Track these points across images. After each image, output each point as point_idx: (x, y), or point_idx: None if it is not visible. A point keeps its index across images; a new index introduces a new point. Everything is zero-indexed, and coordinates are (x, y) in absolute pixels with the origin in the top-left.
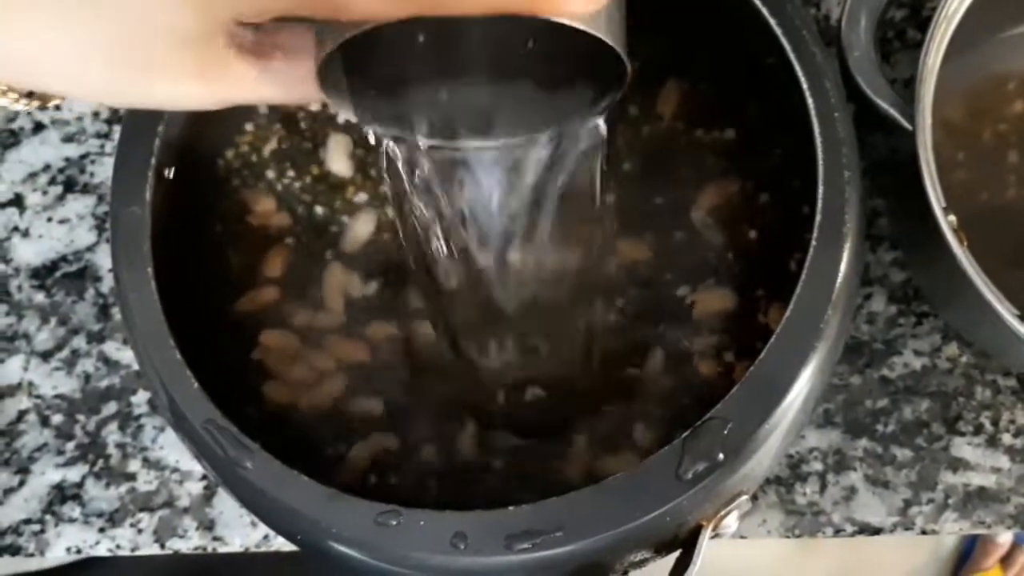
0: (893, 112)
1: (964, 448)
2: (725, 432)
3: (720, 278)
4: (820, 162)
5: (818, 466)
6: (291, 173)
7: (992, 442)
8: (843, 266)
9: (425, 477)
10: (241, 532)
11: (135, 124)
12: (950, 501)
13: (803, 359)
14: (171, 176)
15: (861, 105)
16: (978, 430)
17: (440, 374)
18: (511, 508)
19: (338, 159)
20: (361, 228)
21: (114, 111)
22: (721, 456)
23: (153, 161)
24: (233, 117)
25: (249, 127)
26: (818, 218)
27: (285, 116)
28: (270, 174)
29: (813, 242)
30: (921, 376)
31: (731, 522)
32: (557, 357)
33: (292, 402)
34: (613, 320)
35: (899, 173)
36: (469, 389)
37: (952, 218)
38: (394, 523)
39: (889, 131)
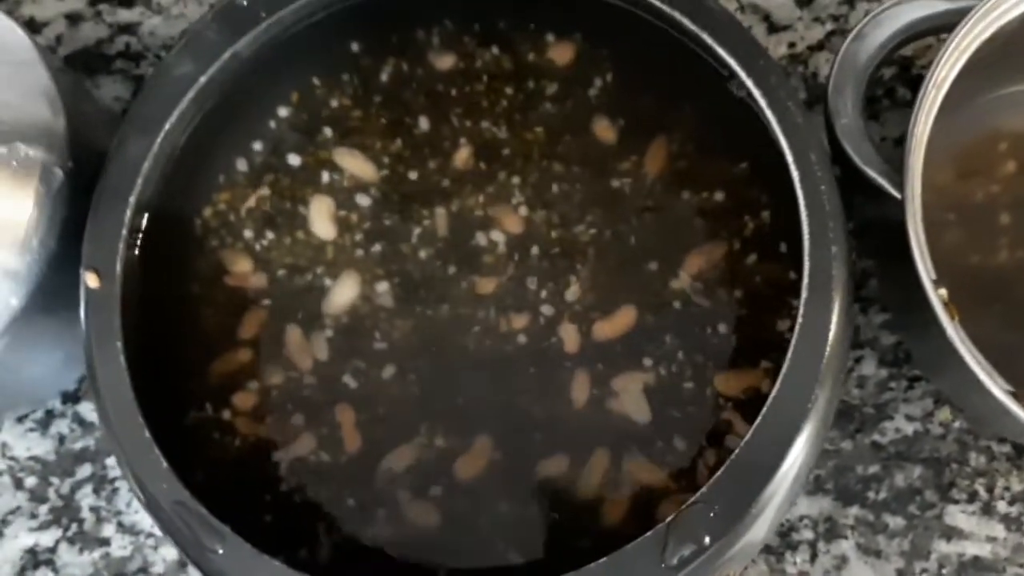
0: (882, 181)
1: (958, 516)
2: (711, 516)
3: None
4: (806, 237)
5: (809, 534)
6: (270, 234)
7: (987, 510)
8: (831, 340)
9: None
10: None
11: (107, 192)
12: (944, 571)
13: (792, 436)
14: (145, 238)
15: (847, 168)
16: (972, 497)
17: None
18: None
19: (320, 220)
20: (344, 292)
21: None
22: (707, 540)
23: (124, 233)
24: (211, 174)
25: (227, 185)
26: (804, 294)
27: (265, 174)
28: (248, 234)
29: (800, 317)
30: (913, 441)
31: None
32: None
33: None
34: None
35: (888, 238)
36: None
37: (943, 291)
38: None
39: (877, 196)
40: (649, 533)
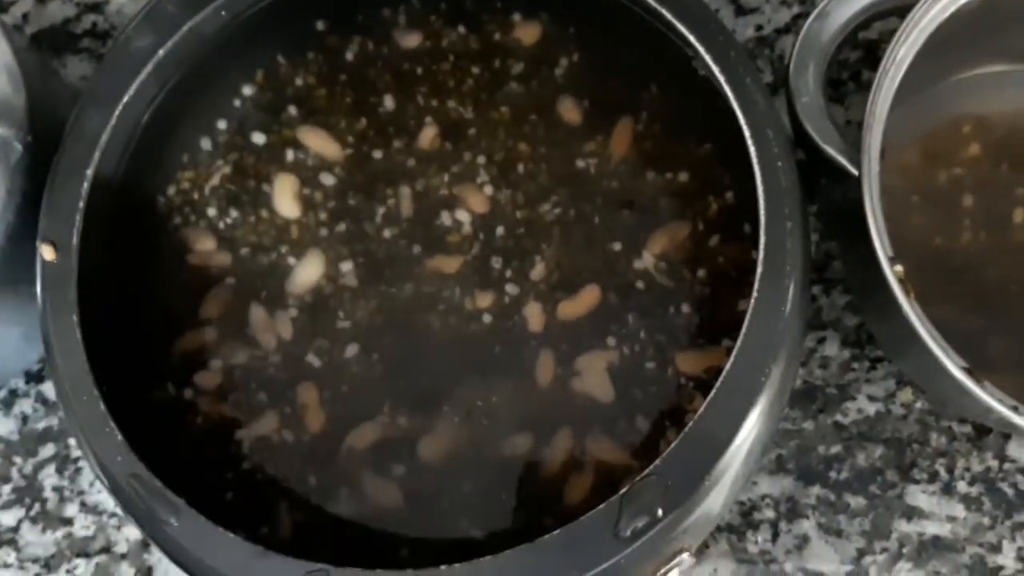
0: (841, 159)
1: (919, 496)
2: (665, 488)
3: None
4: (762, 212)
5: (770, 513)
6: (234, 212)
7: (947, 490)
8: (785, 315)
9: (357, 525)
10: None
11: (64, 164)
12: (904, 550)
13: (744, 411)
14: (107, 214)
15: (809, 148)
16: (933, 477)
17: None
18: (443, 567)
19: (284, 199)
20: (308, 271)
21: None
22: (660, 512)
23: (81, 204)
24: (174, 152)
25: (190, 163)
26: (759, 269)
27: (229, 152)
28: (211, 212)
29: (755, 292)
30: (875, 422)
31: None
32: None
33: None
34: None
35: (849, 218)
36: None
37: (899, 268)
38: None
39: (838, 176)
40: (602, 505)
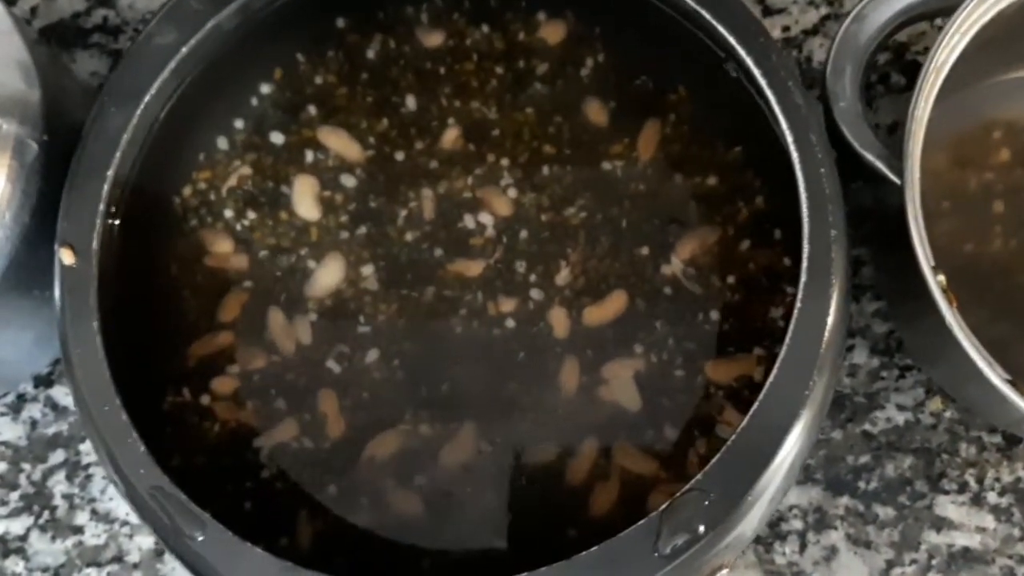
0: (880, 165)
1: (948, 507)
2: (706, 504)
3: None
4: (805, 220)
5: (798, 524)
6: (252, 214)
7: (977, 501)
8: (829, 326)
9: (378, 535)
10: None
11: (84, 165)
12: (934, 562)
13: (789, 424)
14: (123, 215)
15: (844, 153)
16: (962, 488)
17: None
18: None
19: (304, 201)
20: (328, 275)
21: None
22: (702, 529)
23: (101, 207)
24: (190, 152)
25: (207, 163)
26: (803, 278)
27: (247, 152)
28: (228, 214)
29: (798, 303)
30: (904, 431)
31: None
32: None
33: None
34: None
35: (885, 224)
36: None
37: (941, 278)
38: None
39: (874, 181)
40: (642, 521)
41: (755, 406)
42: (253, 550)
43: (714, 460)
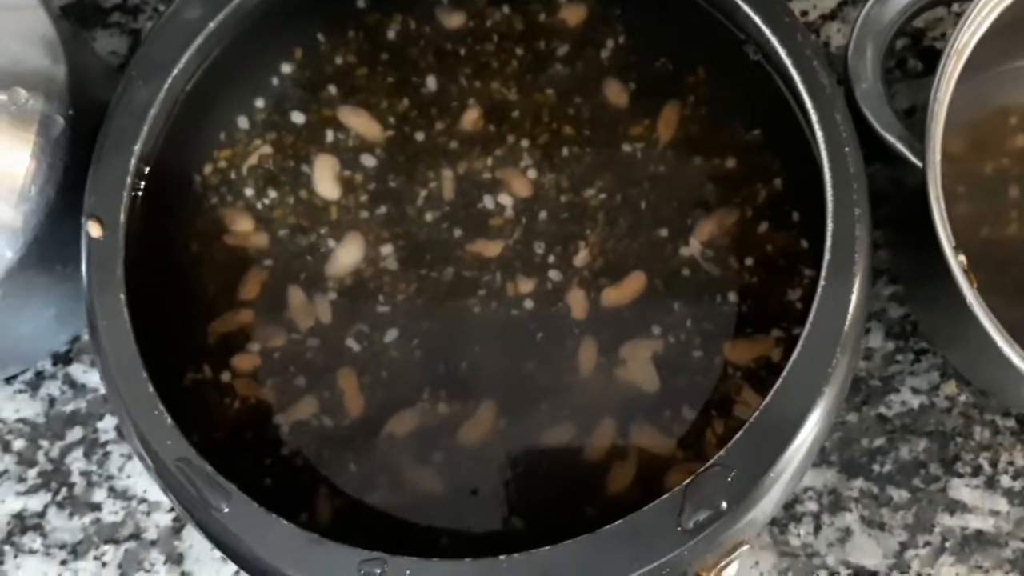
0: (901, 147)
1: (962, 490)
2: (729, 480)
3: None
4: (829, 198)
5: (813, 506)
6: (272, 193)
7: (991, 484)
8: (852, 306)
9: (396, 513)
10: (211, 567)
11: (111, 139)
12: (947, 545)
13: (811, 402)
14: (146, 192)
15: (864, 136)
16: (976, 471)
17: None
18: (502, 558)
19: (324, 180)
20: (348, 254)
21: None
22: (724, 505)
23: (128, 180)
24: (211, 130)
25: (228, 142)
26: (827, 256)
27: (267, 131)
28: (249, 192)
29: (822, 281)
30: (919, 415)
31: (730, 572)
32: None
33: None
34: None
35: (903, 207)
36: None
37: (962, 258)
38: (378, 572)
39: (893, 163)
40: (665, 496)
41: (778, 383)
42: (279, 521)
43: (737, 436)
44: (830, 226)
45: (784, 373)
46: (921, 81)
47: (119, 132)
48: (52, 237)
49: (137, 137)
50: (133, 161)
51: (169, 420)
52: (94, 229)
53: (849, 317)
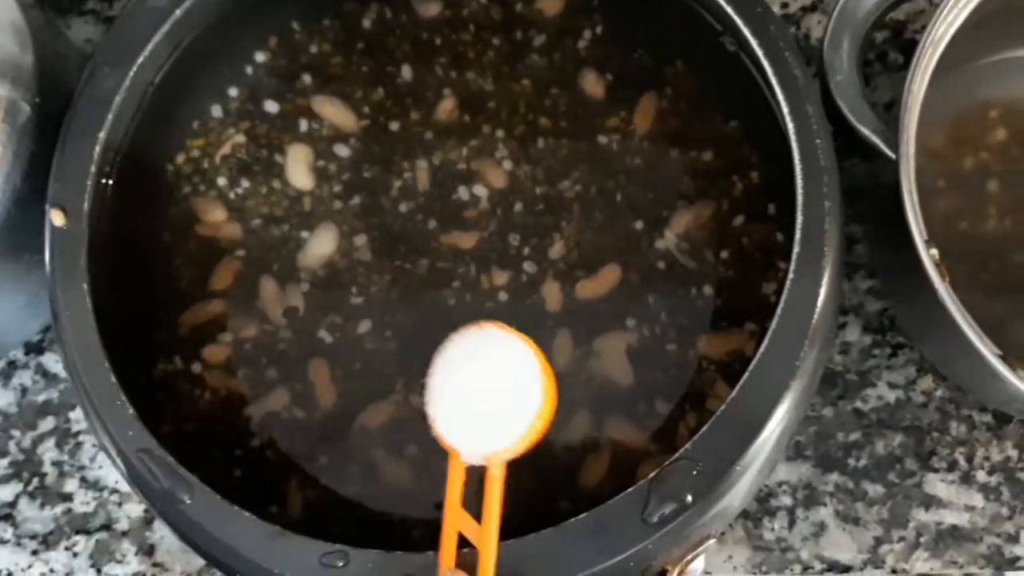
0: (876, 140)
1: (937, 485)
2: (694, 473)
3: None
4: (800, 191)
5: (787, 500)
6: (245, 182)
7: (966, 479)
8: (821, 299)
9: (368, 505)
10: (183, 558)
11: (75, 126)
12: (922, 539)
13: (779, 395)
14: (116, 181)
15: (840, 129)
16: (952, 466)
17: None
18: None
19: (298, 170)
20: (321, 244)
21: None
22: (690, 498)
23: (93, 169)
24: (183, 119)
25: (201, 131)
26: (796, 249)
27: (240, 120)
28: (222, 182)
29: (791, 274)
30: (895, 409)
31: (697, 566)
32: None
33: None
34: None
35: (879, 201)
36: None
37: (934, 252)
38: (340, 564)
39: (870, 157)
40: (631, 489)
41: (745, 376)
42: (241, 513)
43: (703, 430)
44: (800, 219)
45: (752, 366)
46: (902, 74)
47: (83, 120)
48: (20, 225)
49: (102, 125)
50: (98, 149)
51: (131, 411)
52: (57, 218)
53: (818, 310)
